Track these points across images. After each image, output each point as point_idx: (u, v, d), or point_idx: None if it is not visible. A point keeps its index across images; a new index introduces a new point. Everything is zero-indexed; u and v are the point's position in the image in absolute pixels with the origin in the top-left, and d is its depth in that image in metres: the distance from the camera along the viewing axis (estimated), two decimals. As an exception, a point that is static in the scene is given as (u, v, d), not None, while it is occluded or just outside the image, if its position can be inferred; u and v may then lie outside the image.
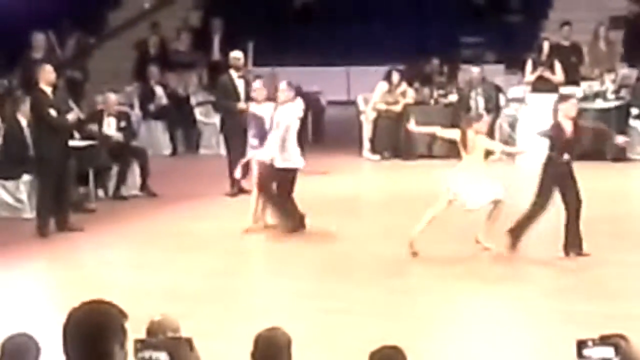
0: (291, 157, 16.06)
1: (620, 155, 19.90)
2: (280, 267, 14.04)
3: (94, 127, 18.87)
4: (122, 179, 18.76)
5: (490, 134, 20.98)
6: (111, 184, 18.96)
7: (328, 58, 25.33)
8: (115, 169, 18.87)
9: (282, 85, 16.65)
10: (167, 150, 22.78)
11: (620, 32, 24.41)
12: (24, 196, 17.30)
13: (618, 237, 14.63)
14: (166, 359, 5.86)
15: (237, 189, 18.43)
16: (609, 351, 4.92)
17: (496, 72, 22.90)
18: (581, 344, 5.00)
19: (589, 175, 18.36)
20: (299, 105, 17.04)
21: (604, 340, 4.99)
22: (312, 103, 24.37)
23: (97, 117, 19.44)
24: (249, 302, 12.55)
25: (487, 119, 15.63)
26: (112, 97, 20.03)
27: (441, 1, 26.12)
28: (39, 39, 22.04)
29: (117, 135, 19.21)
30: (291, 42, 25.85)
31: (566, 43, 22.70)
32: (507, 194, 14.04)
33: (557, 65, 21.33)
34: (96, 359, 4.40)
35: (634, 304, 11.47)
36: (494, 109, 21.14)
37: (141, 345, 5.73)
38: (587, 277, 12.93)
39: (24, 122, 17.19)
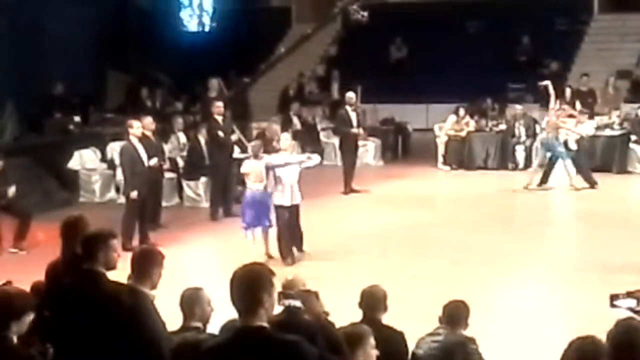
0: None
1: (622, 170, 19.76)
2: (379, 245, 14.03)
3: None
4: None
5: (529, 153, 20.86)
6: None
7: (414, 97, 25.26)
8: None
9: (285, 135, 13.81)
10: (300, 162, 22.84)
11: (624, 81, 24.15)
12: (201, 192, 17.51)
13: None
14: (300, 305, 5.93)
15: (349, 190, 18.46)
16: (633, 302, 4.88)
17: (533, 109, 22.57)
18: (613, 297, 4.94)
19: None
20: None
21: (630, 294, 4.94)
22: (402, 130, 24.37)
23: (261, 136, 19.63)
24: (356, 269, 12.57)
25: None
26: (274, 125, 20.23)
27: (495, 58, 25.91)
28: (213, 83, 22.26)
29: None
30: (387, 86, 25.74)
31: (584, 89, 22.46)
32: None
33: (577, 105, 21.12)
34: (253, 304, 4.43)
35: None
36: (532, 135, 20.98)
37: (283, 295, 5.80)
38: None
39: (202, 140, 17.38)
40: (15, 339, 5.31)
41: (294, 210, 13.02)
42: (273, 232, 13.02)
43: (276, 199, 12.84)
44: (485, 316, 9.30)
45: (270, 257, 12.74)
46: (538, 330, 9.62)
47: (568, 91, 21.58)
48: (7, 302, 5.39)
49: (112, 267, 6.06)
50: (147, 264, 5.86)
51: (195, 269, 12.18)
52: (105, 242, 5.97)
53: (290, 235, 12.95)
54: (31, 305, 5.55)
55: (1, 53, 21.60)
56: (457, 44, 26.48)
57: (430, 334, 6.99)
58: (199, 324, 6.35)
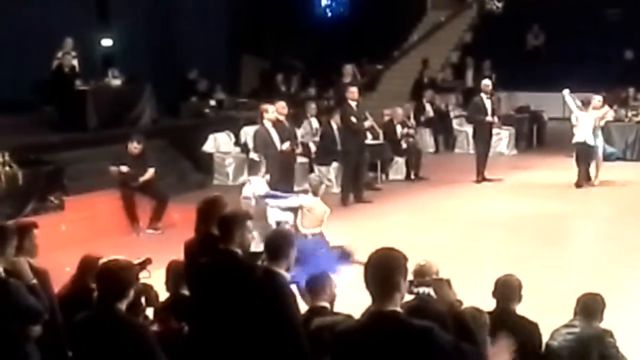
0: None
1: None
2: (513, 234, 13.88)
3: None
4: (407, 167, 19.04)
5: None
6: (392, 171, 19.13)
7: (550, 85, 24.69)
8: (399, 161, 19.05)
9: None
10: (432, 149, 22.72)
11: None
12: (332, 177, 17.57)
13: None
14: (432, 293, 5.88)
15: (481, 178, 18.28)
16: None
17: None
18: None
19: None
20: None
21: None
22: (537, 118, 23.97)
23: (388, 124, 19.64)
24: (488, 258, 12.47)
25: None
26: (399, 110, 20.22)
27: (635, 47, 25.21)
28: (347, 68, 22.35)
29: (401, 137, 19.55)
30: (523, 74, 25.41)
31: None
32: None
33: None
34: (389, 288, 4.44)
35: None
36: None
37: (415, 283, 5.77)
38: None
39: (334, 126, 17.45)
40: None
41: None
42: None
43: None
44: (623, 311, 9.12)
45: None
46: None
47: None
48: (126, 271, 5.49)
49: (246, 248, 6.15)
50: (282, 245, 5.94)
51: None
52: (242, 223, 6.06)
53: None
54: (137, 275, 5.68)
55: (140, 38, 22.16)
56: (596, 32, 25.86)
57: (566, 326, 6.86)
58: (326, 304, 6.50)
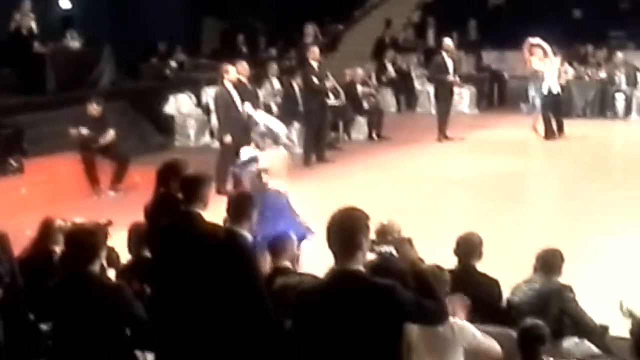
0: None
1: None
2: (474, 192, 13.98)
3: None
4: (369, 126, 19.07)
5: (630, 101, 20.54)
6: (354, 131, 19.14)
7: (511, 44, 24.77)
8: (360, 120, 19.07)
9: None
10: (393, 109, 22.72)
11: None
12: (294, 138, 17.50)
13: None
14: (394, 252, 5.93)
15: (443, 137, 18.35)
16: None
17: (635, 57, 22.03)
18: None
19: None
20: None
21: None
22: (498, 77, 24.03)
23: (349, 85, 19.61)
24: (450, 216, 12.54)
25: None
26: (360, 70, 20.19)
27: (596, 4, 25.25)
28: (309, 28, 22.26)
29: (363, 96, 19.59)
30: (485, 33, 25.41)
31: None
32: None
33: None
34: (351, 247, 4.43)
35: None
36: (632, 83, 20.56)
37: (378, 241, 5.81)
38: None
39: (296, 86, 17.40)
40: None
41: None
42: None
43: None
44: (581, 265, 9.22)
45: None
46: (633, 282, 9.42)
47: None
48: (95, 234, 5.53)
49: (206, 209, 6.14)
50: (245, 206, 5.94)
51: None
52: (206, 183, 6.03)
53: None
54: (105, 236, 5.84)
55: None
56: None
57: (526, 282, 6.94)
58: (289, 264, 6.59)
